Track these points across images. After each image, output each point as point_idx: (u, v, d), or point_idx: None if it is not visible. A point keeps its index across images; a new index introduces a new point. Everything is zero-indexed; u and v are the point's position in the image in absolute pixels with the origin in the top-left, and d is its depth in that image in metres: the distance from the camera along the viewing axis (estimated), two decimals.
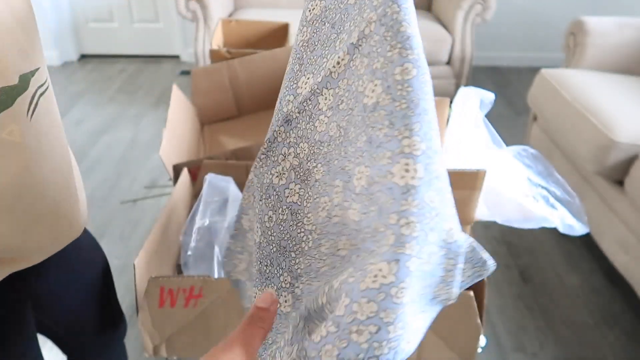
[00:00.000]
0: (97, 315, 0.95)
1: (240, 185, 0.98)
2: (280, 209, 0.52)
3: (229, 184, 0.90)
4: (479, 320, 0.75)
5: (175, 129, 1.17)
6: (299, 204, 0.52)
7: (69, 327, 0.92)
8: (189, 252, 0.86)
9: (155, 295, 0.75)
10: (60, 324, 0.90)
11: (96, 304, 0.94)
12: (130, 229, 2.08)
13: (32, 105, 0.54)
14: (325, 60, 0.51)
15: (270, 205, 0.53)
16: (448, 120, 0.93)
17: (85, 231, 0.87)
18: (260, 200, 0.54)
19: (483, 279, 0.75)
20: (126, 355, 1.15)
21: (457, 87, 2.94)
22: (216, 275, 0.84)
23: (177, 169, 1.07)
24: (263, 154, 0.54)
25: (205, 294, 0.76)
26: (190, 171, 1.07)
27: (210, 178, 0.90)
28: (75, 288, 0.88)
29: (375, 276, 0.36)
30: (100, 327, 0.97)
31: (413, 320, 0.37)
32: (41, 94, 0.55)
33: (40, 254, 0.67)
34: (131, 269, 0.77)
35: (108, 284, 0.95)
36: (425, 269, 0.38)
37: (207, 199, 0.88)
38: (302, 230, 0.51)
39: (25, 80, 0.52)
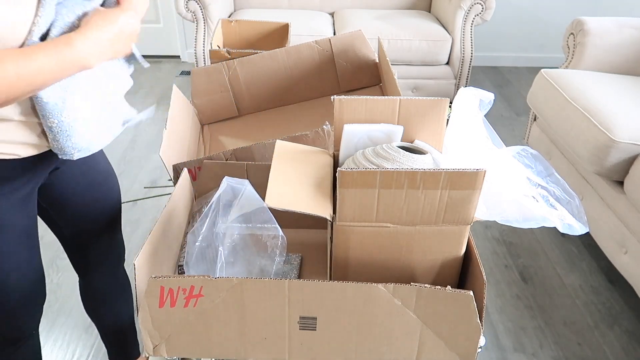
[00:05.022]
0: (103, 227, 1.11)
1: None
2: None
3: (244, 187, 0.90)
4: (478, 320, 0.75)
5: (175, 129, 1.18)
6: None
7: (74, 229, 1.08)
8: (192, 252, 0.86)
9: (155, 295, 0.75)
10: (68, 225, 1.06)
11: (104, 218, 1.11)
12: (130, 229, 2.08)
13: None
14: None
15: None
16: (448, 120, 0.93)
17: (107, 161, 1.17)
18: None
19: (483, 279, 0.75)
20: (128, 278, 1.29)
21: (457, 87, 2.94)
22: (217, 275, 0.84)
23: (177, 169, 1.07)
24: None
25: (206, 294, 0.76)
26: (190, 171, 1.07)
27: (228, 181, 0.90)
28: (88, 193, 1.05)
29: None
30: (105, 241, 1.14)
31: None
32: None
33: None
34: (131, 269, 0.77)
35: (116, 210, 1.14)
36: None
37: (224, 202, 0.88)
38: None
39: None
